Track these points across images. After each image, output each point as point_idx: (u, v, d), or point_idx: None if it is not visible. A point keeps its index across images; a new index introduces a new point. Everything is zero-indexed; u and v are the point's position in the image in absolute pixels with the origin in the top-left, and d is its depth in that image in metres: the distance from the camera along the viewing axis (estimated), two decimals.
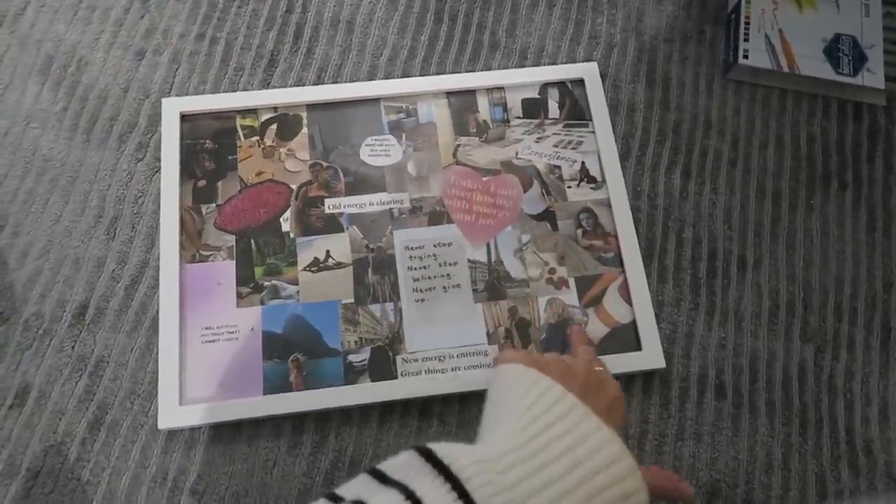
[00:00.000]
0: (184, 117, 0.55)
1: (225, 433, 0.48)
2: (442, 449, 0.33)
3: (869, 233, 0.57)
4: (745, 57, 0.58)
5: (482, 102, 0.57)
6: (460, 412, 0.49)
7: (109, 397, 0.48)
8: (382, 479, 0.33)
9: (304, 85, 0.58)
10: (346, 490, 0.33)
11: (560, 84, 0.58)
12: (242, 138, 0.55)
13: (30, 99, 0.56)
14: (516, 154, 0.56)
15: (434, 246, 0.53)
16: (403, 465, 0.34)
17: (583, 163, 0.56)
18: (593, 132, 0.57)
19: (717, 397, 0.51)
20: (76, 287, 0.51)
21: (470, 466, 0.32)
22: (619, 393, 0.41)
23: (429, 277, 0.52)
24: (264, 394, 0.48)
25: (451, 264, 0.52)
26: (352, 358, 0.49)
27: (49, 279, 0.51)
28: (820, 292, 0.55)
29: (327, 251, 0.52)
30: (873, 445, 0.51)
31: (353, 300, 0.51)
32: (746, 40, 0.59)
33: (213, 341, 0.49)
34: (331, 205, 0.53)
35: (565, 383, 0.37)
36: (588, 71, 0.58)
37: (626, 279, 0.52)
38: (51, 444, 0.47)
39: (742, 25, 0.60)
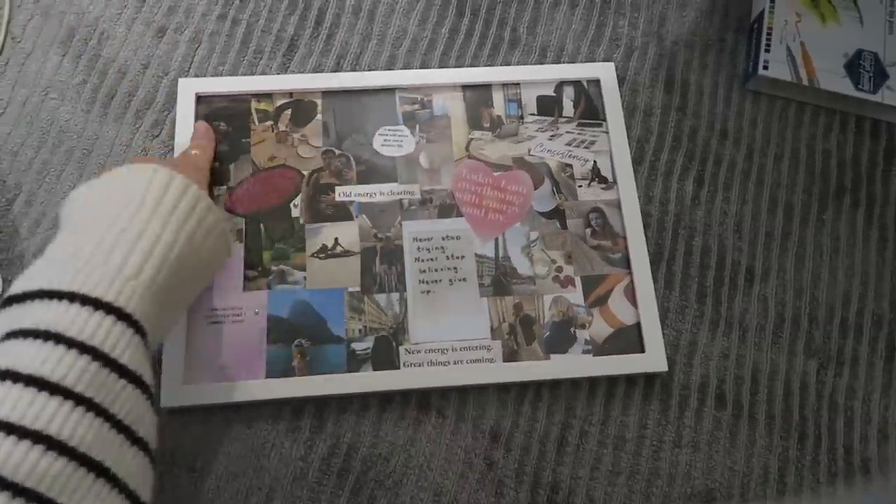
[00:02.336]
0: (199, 98, 0.55)
1: (225, 414, 0.48)
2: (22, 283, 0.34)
3: (879, 251, 0.56)
4: (766, 68, 0.58)
5: (497, 97, 0.57)
6: (459, 406, 0.49)
7: None
8: None
9: (322, 71, 0.58)
10: None
11: (576, 83, 0.58)
12: (257, 122, 0.55)
13: (50, 70, 0.56)
14: (529, 151, 0.56)
15: (442, 238, 0.53)
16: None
17: (595, 162, 0.56)
18: (607, 132, 0.57)
19: (717, 407, 0.51)
20: None
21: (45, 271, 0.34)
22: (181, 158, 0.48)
23: (436, 270, 0.52)
24: (266, 377, 0.48)
25: (458, 258, 0.52)
26: (355, 346, 0.49)
27: None
28: (826, 308, 0.54)
29: (336, 239, 0.52)
30: (871, 464, 0.51)
31: (359, 289, 0.51)
32: (767, 51, 0.59)
33: (219, 322, 0.49)
34: (341, 193, 0.54)
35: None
36: (604, 70, 0.58)
37: (632, 281, 0.52)
38: None
39: (764, 36, 0.59)
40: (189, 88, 0.55)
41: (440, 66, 0.59)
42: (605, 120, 0.57)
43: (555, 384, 0.50)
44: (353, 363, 0.49)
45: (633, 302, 0.52)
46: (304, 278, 0.51)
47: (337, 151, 0.55)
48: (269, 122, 0.55)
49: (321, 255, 0.52)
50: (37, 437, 0.29)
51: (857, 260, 0.56)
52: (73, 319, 0.32)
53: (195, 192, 0.40)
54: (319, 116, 0.56)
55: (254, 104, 0.56)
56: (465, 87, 0.57)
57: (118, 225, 0.36)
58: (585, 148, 0.56)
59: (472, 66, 0.59)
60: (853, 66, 0.59)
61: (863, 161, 0.59)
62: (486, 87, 0.58)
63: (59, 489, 0.29)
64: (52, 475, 0.29)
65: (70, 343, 0.32)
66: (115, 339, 0.33)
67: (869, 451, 0.51)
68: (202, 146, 0.51)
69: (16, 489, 0.28)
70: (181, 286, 0.39)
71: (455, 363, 0.49)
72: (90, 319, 0.33)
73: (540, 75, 0.58)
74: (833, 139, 0.59)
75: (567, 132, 0.57)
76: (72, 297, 0.33)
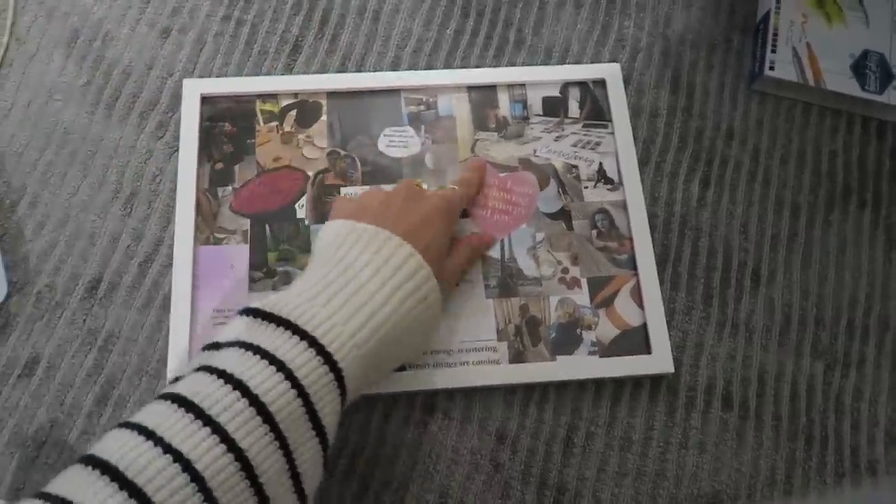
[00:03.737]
0: (204, 99, 0.55)
1: None
2: (268, 304, 0.37)
3: (886, 252, 0.56)
4: (772, 68, 0.58)
5: (503, 98, 0.57)
6: (465, 407, 0.49)
7: (118, 373, 0.49)
8: (216, 346, 0.36)
9: (327, 72, 0.58)
10: (187, 368, 0.36)
11: (581, 84, 0.58)
12: (262, 123, 0.55)
13: (54, 71, 0.56)
14: (534, 152, 0.56)
15: None
16: (234, 328, 0.37)
17: (601, 163, 0.56)
18: (612, 133, 0.56)
19: (724, 408, 0.51)
20: (90, 261, 0.51)
21: (297, 308, 0.37)
22: (437, 203, 0.45)
23: None
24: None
25: None
26: None
27: (64, 252, 0.51)
28: (833, 309, 0.54)
29: None
30: (878, 466, 0.50)
31: None
32: (774, 52, 0.59)
33: (224, 324, 0.49)
34: (347, 193, 0.53)
35: (361, 214, 0.43)
36: (610, 71, 0.58)
37: (638, 282, 0.52)
38: (57, 416, 0.47)
39: (770, 36, 0.59)
40: (194, 89, 0.55)
41: (445, 67, 0.59)
42: (610, 121, 0.57)
43: (561, 385, 0.50)
44: None
45: (640, 303, 0.52)
46: None
47: (342, 152, 0.55)
48: (275, 123, 0.55)
49: None
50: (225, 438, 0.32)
51: (864, 261, 0.56)
52: (301, 360, 0.35)
53: (427, 276, 0.41)
54: (324, 117, 0.56)
55: (259, 105, 0.56)
56: (471, 88, 0.57)
57: (362, 296, 0.39)
58: (591, 149, 0.56)
59: (477, 66, 0.59)
60: (859, 67, 0.59)
61: (869, 162, 0.59)
62: (491, 88, 0.57)
63: (227, 497, 0.32)
64: (230, 494, 0.32)
65: (293, 382, 0.34)
66: (324, 391, 0.36)
67: (876, 453, 0.51)
68: (463, 196, 0.51)
69: (203, 485, 0.31)
70: (388, 357, 0.41)
71: (461, 364, 0.49)
72: (316, 367, 0.36)
73: (545, 76, 0.58)
74: (839, 140, 0.59)
75: (573, 133, 0.57)
76: (311, 340, 0.36)
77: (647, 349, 0.50)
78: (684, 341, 0.52)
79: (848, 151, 0.59)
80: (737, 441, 0.50)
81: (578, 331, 0.51)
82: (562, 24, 0.61)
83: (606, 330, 0.51)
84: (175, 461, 0.31)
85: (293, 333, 0.36)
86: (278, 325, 0.36)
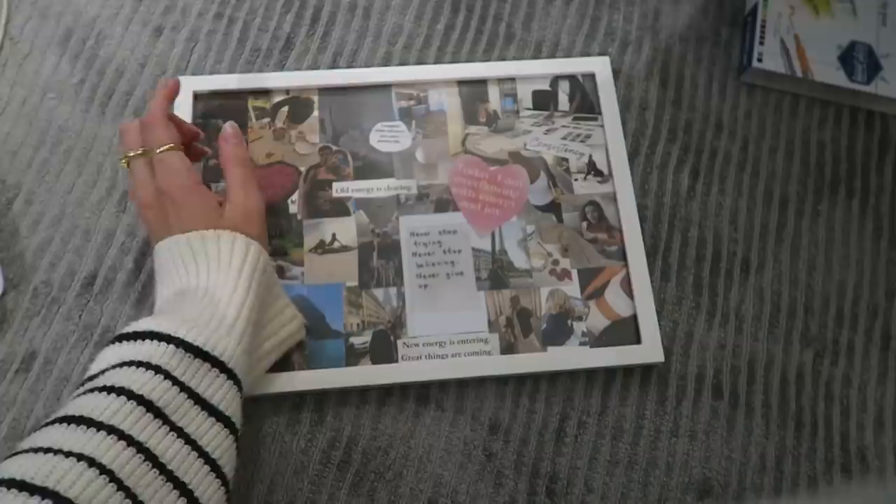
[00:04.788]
0: (197, 96, 0.56)
1: None
2: (129, 327, 0.39)
3: (874, 241, 0.57)
4: (760, 60, 0.58)
5: (493, 93, 0.58)
6: (457, 398, 0.50)
7: None
8: (90, 378, 0.38)
9: (318, 68, 0.58)
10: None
11: (571, 77, 0.59)
12: (254, 119, 0.56)
13: (48, 70, 0.57)
14: (525, 145, 0.56)
15: (439, 233, 0.53)
16: (104, 358, 0.39)
17: (590, 156, 0.56)
18: (602, 126, 0.57)
19: (714, 397, 0.51)
20: (85, 257, 0.52)
21: (154, 320, 0.39)
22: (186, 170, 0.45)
23: (433, 264, 0.52)
24: (266, 372, 0.48)
25: (455, 252, 0.53)
26: (353, 340, 0.50)
27: (59, 248, 0.52)
28: (822, 298, 0.55)
29: (333, 234, 0.53)
30: (867, 451, 0.51)
31: (357, 283, 0.51)
32: (762, 44, 0.59)
33: None
34: (338, 188, 0.54)
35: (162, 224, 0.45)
36: (599, 65, 0.59)
37: (628, 273, 0.52)
38: (54, 411, 0.48)
39: (758, 28, 0.60)
40: (186, 87, 0.55)
41: (436, 62, 0.59)
42: (600, 114, 0.57)
43: (552, 376, 0.51)
44: (352, 357, 0.49)
45: (630, 294, 0.52)
46: (303, 273, 0.51)
47: (334, 148, 0.55)
48: (267, 120, 0.56)
49: (319, 251, 0.52)
50: (132, 442, 0.34)
51: (853, 250, 0.56)
52: (177, 363, 0.37)
53: (262, 254, 0.45)
54: (316, 113, 0.56)
55: (251, 102, 0.56)
56: (461, 83, 0.58)
57: (217, 292, 0.41)
58: (581, 142, 0.57)
59: (467, 61, 0.59)
60: (847, 58, 0.59)
61: (857, 152, 0.59)
62: (481, 83, 0.58)
63: (147, 496, 0.33)
64: (143, 484, 0.33)
65: (172, 379, 0.37)
66: (207, 379, 0.38)
67: (865, 439, 0.51)
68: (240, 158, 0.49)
69: (112, 476, 0.32)
70: (258, 344, 0.44)
71: (453, 356, 0.50)
72: (191, 364, 0.38)
73: (535, 70, 0.58)
74: (827, 131, 0.60)
75: (563, 126, 0.57)
76: (178, 342, 0.38)
77: (637, 339, 0.51)
78: (674, 331, 0.53)
79: (836, 142, 0.59)
80: (727, 429, 0.51)
81: (569, 322, 0.51)
82: (551, 19, 0.62)
83: (597, 321, 0.51)
84: (89, 466, 0.32)
85: (160, 341, 0.38)
86: (143, 339, 0.38)
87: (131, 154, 0.46)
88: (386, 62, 0.59)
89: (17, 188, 0.53)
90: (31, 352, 0.49)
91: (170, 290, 0.43)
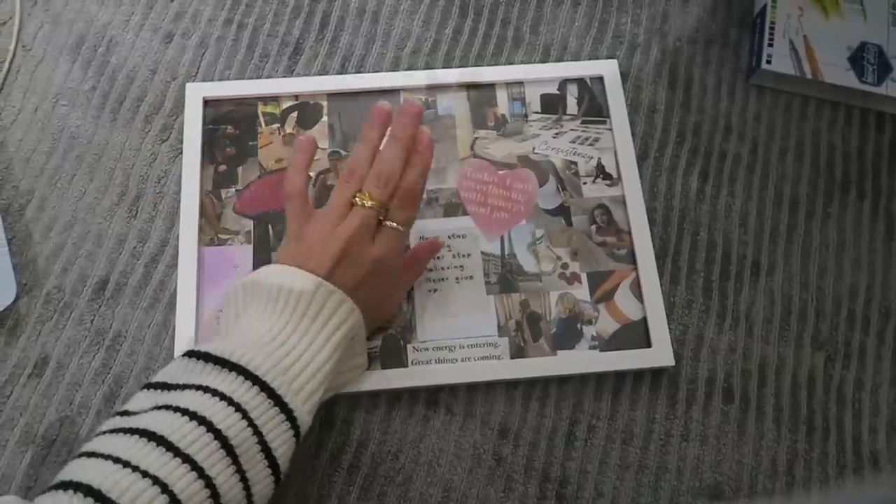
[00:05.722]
0: (207, 102, 0.56)
1: None
2: (217, 349, 0.39)
3: (886, 243, 0.56)
4: (769, 62, 0.58)
5: (501, 97, 0.58)
6: (467, 403, 0.50)
7: (125, 372, 0.50)
8: (166, 387, 0.39)
9: (327, 73, 0.59)
10: (135, 405, 0.38)
11: (579, 80, 0.59)
12: (263, 125, 0.56)
13: (60, 76, 0.57)
14: (533, 149, 0.56)
15: (448, 237, 0.53)
16: (179, 369, 0.39)
17: (599, 159, 0.56)
18: (611, 129, 0.57)
19: (725, 400, 0.51)
20: (97, 262, 0.52)
21: (245, 354, 0.39)
22: (383, 253, 0.45)
23: (442, 268, 0.52)
24: None
25: (464, 256, 0.53)
26: None
27: (71, 254, 0.52)
28: (833, 300, 0.54)
29: None
30: (880, 456, 0.50)
31: None
32: (771, 45, 0.59)
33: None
34: None
35: (306, 259, 0.43)
36: (607, 68, 0.59)
37: (638, 276, 0.52)
38: (66, 415, 0.48)
39: (767, 30, 0.59)
40: (196, 93, 0.56)
41: (444, 67, 0.59)
42: (609, 117, 0.57)
43: (562, 380, 0.51)
44: None
45: (639, 297, 0.52)
46: None
47: (343, 153, 0.55)
48: (276, 125, 0.56)
49: None
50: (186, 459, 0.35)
51: (864, 252, 0.56)
52: (257, 405, 0.38)
53: (355, 314, 0.44)
54: (325, 118, 0.56)
55: (260, 107, 0.56)
56: (469, 87, 0.58)
57: (309, 352, 0.41)
58: (590, 145, 0.57)
59: (475, 65, 0.60)
60: (857, 59, 0.59)
61: (868, 153, 0.59)
62: (489, 87, 0.58)
63: None
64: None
65: (248, 419, 0.38)
66: (277, 430, 0.39)
67: (878, 443, 0.51)
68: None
69: (173, 497, 0.34)
70: (332, 383, 0.45)
71: (463, 360, 0.50)
72: (267, 408, 0.39)
73: (543, 74, 0.58)
74: (837, 132, 0.59)
75: (571, 130, 0.57)
76: (263, 385, 0.39)
77: (647, 343, 0.51)
78: (684, 334, 0.53)
79: (846, 143, 0.59)
80: (738, 433, 0.50)
81: (579, 325, 0.51)
82: (559, 22, 0.62)
83: (607, 324, 0.51)
84: (154, 484, 0.33)
85: (244, 378, 0.38)
86: (231, 370, 0.39)
87: (377, 205, 0.45)
88: (394, 67, 0.59)
89: (29, 194, 0.54)
90: (44, 356, 0.50)
91: (260, 314, 0.42)
